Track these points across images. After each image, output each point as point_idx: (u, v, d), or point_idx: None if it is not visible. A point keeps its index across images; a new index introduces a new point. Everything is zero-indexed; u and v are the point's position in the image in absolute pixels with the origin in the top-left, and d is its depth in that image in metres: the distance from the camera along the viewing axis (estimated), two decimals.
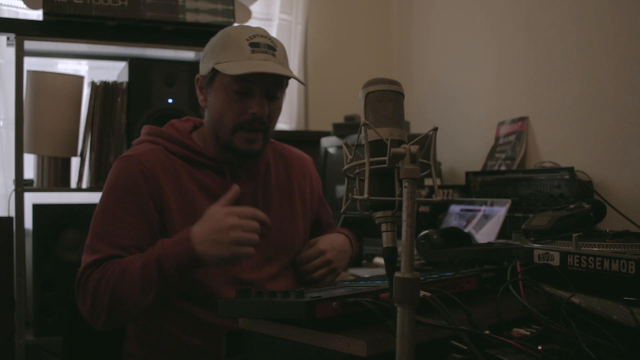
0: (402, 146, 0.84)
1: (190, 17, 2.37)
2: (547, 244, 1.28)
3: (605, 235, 1.30)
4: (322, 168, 2.72)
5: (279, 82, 1.49)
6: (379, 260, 2.38)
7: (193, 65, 2.45)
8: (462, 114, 2.83)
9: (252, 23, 2.70)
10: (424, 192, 2.42)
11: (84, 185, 2.33)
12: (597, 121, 2.10)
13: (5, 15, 2.53)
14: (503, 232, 2.04)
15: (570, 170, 1.97)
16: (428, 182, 2.44)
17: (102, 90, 2.33)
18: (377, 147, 0.88)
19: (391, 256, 0.86)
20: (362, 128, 0.89)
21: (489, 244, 1.59)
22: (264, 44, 1.46)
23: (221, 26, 2.43)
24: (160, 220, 1.45)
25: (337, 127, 2.74)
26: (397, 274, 0.80)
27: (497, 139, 2.56)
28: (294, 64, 3.15)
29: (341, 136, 2.68)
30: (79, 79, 2.38)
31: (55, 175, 2.31)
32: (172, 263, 1.33)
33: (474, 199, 2.29)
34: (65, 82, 2.33)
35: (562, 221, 1.41)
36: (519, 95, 2.49)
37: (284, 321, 1.00)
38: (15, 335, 2.20)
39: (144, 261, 1.34)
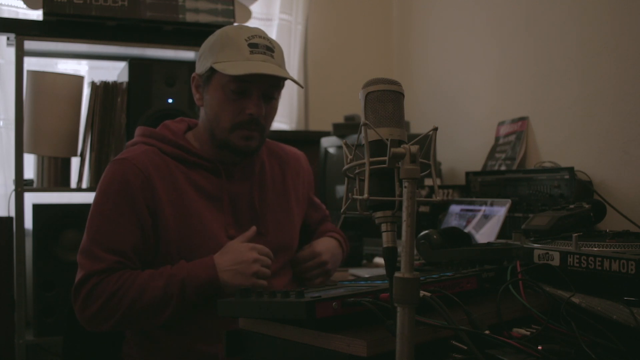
0: (402, 146, 0.84)
1: (190, 17, 2.37)
2: (547, 244, 1.28)
3: (605, 235, 1.29)
4: (322, 168, 2.72)
5: (276, 84, 1.50)
6: (379, 260, 2.38)
7: (193, 65, 2.44)
8: (462, 114, 2.83)
9: (252, 23, 2.70)
10: (424, 192, 2.42)
11: (84, 185, 2.33)
12: (597, 121, 2.10)
13: (5, 15, 2.53)
14: (503, 232, 2.04)
15: (570, 170, 1.97)
16: (428, 182, 2.44)
17: (102, 90, 2.33)
18: (377, 147, 0.88)
19: (391, 256, 0.86)
20: (362, 128, 0.89)
21: (489, 244, 1.59)
22: (262, 45, 1.46)
23: (221, 26, 2.42)
24: (153, 224, 1.45)
25: (337, 127, 2.74)
26: (397, 274, 0.80)
27: (497, 139, 2.56)
28: (294, 64, 3.15)
29: (341, 136, 2.68)
30: (79, 79, 2.38)
31: (55, 175, 2.31)
32: (195, 287, 1.38)
33: (474, 199, 2.29)
34: (65, 82, 2.33)
35: (562, 221, 1.40)
36: (519, 95, 2.49)
37: (284, 321, 1.00)
38: (15, 335, 2.20)
39: (166, 281, 1.37)
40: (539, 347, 0.92)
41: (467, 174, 2.43)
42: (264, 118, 1.50)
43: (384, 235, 0.87)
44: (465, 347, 0.90)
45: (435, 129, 0.90)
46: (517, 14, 2.50)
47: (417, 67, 3.21)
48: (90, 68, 2.78)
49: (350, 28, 3.36)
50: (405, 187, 0.82)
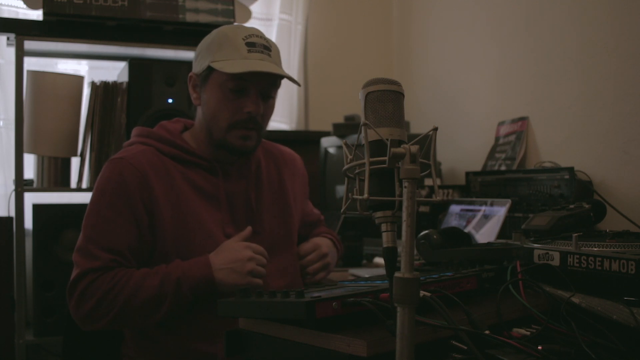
0: (402, 146, 0.84)
1: (190, 17, 2.37)
2: (547, 244, 1.28)
3: (605, 235, 1.29)
4: (322, 168, 2.72)
5: (274, 82, 1.51)
6: (379, 260, 2.38)
7: (192, 66, 2.45)
8: (462, 114, 2.83)
9: (252, 23, 2.70)
10: (424, 192, 2.42)
11: (84, 185, 2.33)
12: (597, 121, 2.10)
13: (5, 15, 2.53)
14: (503, 232, 2.04)
15: (570, 170, 1.97)
16: (428, 182, 2.44)
17: (102, 90, 2.33)
18: (377, 147, 0.88)
19: (391, 256, 0.86)
20: (362, 128, 0.89)
21: (489, 244, 1.59)
22: (259, 44, 1.47)
23: (221, 26, 2.44)
24: (150, 223, 1.45)
25: (337, 127, 2.74)
26: (397, 274, 0.80)
27: (497, 139, 2.56)
28: (294, 64, 3.15)
29: (341, 136, 2.68)
30: (79, 79, 2.38)
31: (55, 175, 2.31)
32: (190, 285, 1.38)
33: (474, 199, 2.29)
34: (65, 82, 2.33)
35: (562, 221, 1.40)
36: (519, 95, 2.49)
37: (284, 321, 1.00)
38: (15, 335, 2.20)
39: (161, 279, 1.37)
40: (539, 347, 0.92)
41: (467, 174, 2.43)
42: (261, 117, 1.51)
43: (384, 235, 0.87)
44: (465, 347, 0.90)
45: (435, 129, 0.90)
46: (517, 14, 2.50)
47: (417, 67, 3.21)
48: (90, 68, 2.77)
49: (350, 28, 3.36)
50: (405, 187, 0.82)
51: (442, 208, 2.38)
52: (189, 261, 1.42)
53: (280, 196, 1.65)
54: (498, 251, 1.36)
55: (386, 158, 0.85)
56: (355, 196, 0.92)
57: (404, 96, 0.94)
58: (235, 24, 1.69)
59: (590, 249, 1.18)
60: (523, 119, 2.42)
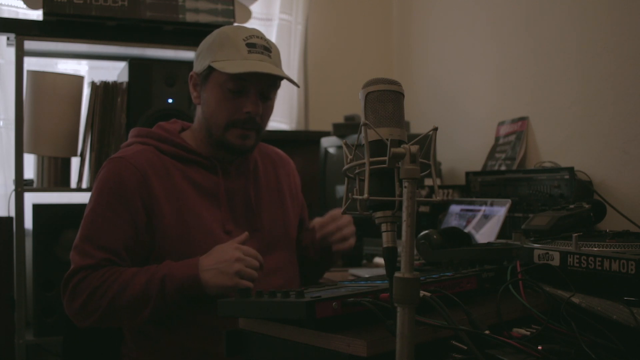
0: (402, 146, 0.84)
1: (190, 17, 2.37)
2: (547, 244, 1.28)
3: (605, 235, 1.29)
4: (322, 168, 2.72)
5: (273, 83, 1.52)
6: (379, 260, 2.38)
7: (193, 66, 2.45)
8: (462, 114, 2.83)
9: (252, 23, 2.70)
10: (424, 192, 2.42)
11: (84, 185, 2.33)
12: (597, 121, 2.10)
13: (5, 15, 2.52)
14: (503, 232, 2.04)
15: (570, 170, 1.97)
16: (428, 182, 2.44)
17: (102, 90, 2.33)
18: (377, 147, 0.88)
19: (391, 256, 0.86)
20: (362, 128, 0.89)
21: (489, 244, 1.59)
22: (260, 45, 1.48)
23: (221, 26, 2.43)
24: (148, 223, 1.45)
25: (337, 127, 2.74)
26: (397, 274, 0.80)
27: (497, 139, 2.56)
28: (294, 64, 3.15)
29: (341, 136, 2.68)
30: (79, 79, 2.38)
31: (55, 175, 2.31)
32: (175, 285, 1.37)
33: (474, 199, 2.29)
34: (65, 82, 2.33)
35: (562, 221, 1.40)
36: (519, 95, 2.49)
37: (284, 321, 1.00)
38: (15, 335, 2.20)
39: (148, 278, 1.38)
40: (539, 347, 0.92)
41: (467, 174, 2.43)
42: (260, 117, 1.52)
43: (384, 235, 0.87)
44: (465, 347, 0.90)
45: (435, 129, 0.90)
46: (517, 14, 2.50)
47: (417, 67, 3.21)
48: (90, 68, 2.77)
49: (350, 28, 3.36)
50: (405, 187, 0.82)
51: (442, 208, 2.38)
52: (179, 262, 1.42)
53: (277, 195, 1.67)
54: (498, 251, 1.36)
55: (386, 158, 0.85)
56: (355, 196, 0.92)
57: (404, 96, 0.94)
58: (236, 24, 1.70)
59: (590, 249, 1.18)
60: (523, 119, 2.42)
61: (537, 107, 2.38)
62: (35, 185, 2.31)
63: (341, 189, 2.67)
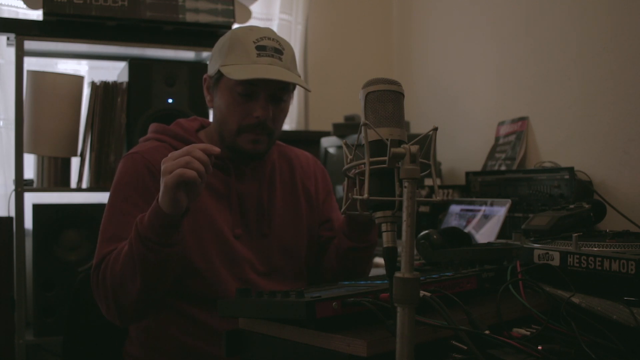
0: (402, 146, 0.84)
1: (190, 17, 2.37)
2: (547, 244, 1.28)
3: (605, 235, 1.30)
4: None
5: (284, 86, 1.49)
6: (379, 260, 2.38)
7: (193, 65, 2.45)
8: (462, 114, 2.83)
9: (252, 23, 2.69)
10: (424, 192, 2.42)
11: (84, 185, 2.33)
12: (597, 121, 2.10)
13: (5, 15, 2.52)
14: (503, 232, 2.04)
15: (570, 170, 1.97)
16: (428, 182, 2.44)
17: (102, 90, 2.33)
18: (377, 147, 0.88)
19: (391, 256, 0.86)
20: (362, 128, 0.89)
21: (489, 244, 1.59)
22: (270, 47, 1.45)
23: (221, 26, 2.44)
24: None
25: (337, 127, 2.74)
26: (397, 274, 0.80)
27: (497, 139, 2.56)
28: None
29: (341, 136, 2.68)
30: (79, 79, 2.38)
31: (55, 175, 2.31)
32: (145, 224, 1.28)
33: (474, 199, 2.29)
34: (65, 82, 2.33)
35: (562, 221, 1.41)
36: (519, 95, 2.49)
37: (284, 321, 1.00)
38: (15, 335, 2.20)
39: (129, 237, 1.32)
40: (539, 347, 0.92)
41: (467, 174, 2.43)
42: (271, 121, 1.48)
43: (384, 235, 0.87)
44: (465, 347, 0.90)
45: (435, 129, 0.90)
46: (517, 14, 2.50)
47: (417, 67, 3.21)
48: (90, 68, 2.77)
49: (350, 28, 3.36)
50: (405, 187, 0.82)
51: (442, 208, 2.38)
52: None
53: (291, 199, 1.63)
54: (498, 251, 1.36)
55: (386, 158, 0.85)
56: (355, 196, 0.92)
57: (404, 96, 0.94)
58: (250, 24, 1.67)
59: (590, 249, 1.18)
60: (523, 119, 2.42)
61: (537, 107, 2.38)
62: (35, 185, 2.31)
63: (341, 189, 2.67)
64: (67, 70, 2.72)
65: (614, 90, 2.04)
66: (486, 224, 2.11)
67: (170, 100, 2.38)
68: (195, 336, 1.46)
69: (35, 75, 2.30)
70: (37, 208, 2.25)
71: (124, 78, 2.40)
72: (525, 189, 2.13)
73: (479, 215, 2.17)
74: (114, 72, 2.66)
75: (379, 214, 0.88)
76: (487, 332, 0.94)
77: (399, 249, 0.82)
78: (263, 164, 1.59)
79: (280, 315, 0.99)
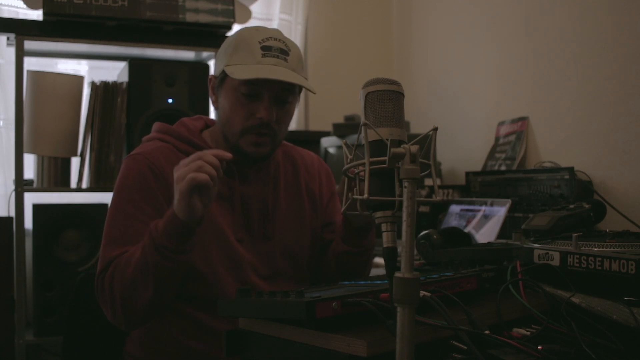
0: (402, 146, 0.84)
1: (190, 17, 2.37)
2: (547, 244, 1.28)
3: (605, 235, 1.30)
4: None
5: (289, 88, 1.47)
6: (379, 260, 2.38)
7: (193, 65, 2.45)
8: (462, 114, 2.83)
9: (252, 23, 2.70)
10: (424, 192, 2.42)
11: (84, 185, 2.33)
12: (597, 121, 2.10)
13: (5, 15, 2.53)
14: (503, 232, 2.04)
15: (570, 170, 1.97)
16: (428, 182, 2.44)
17: (102, 90, 2.33)
18: (377, 147, 0.88)
19: (391, 256, 0.86)
20: (362, 128, 0.89)
21: (489, 244, 1.59)
22: (276, 48, 1.44)
23: (221, 26, 2.44)
24: None
25: (337, 127, 2.74)
26: (397, 274, 0.80)
27: (497, 139, 2.56)
28: None
29: (341, 136, 2.68)
30: (79, 79, 2.38)
31: (55, 175, 2.31)
32: (160, 231, 1.29)
33: (474, 199, 2.29)
34: (65, 82, 2.33)
35: (562, 221, 1.41)
36: (519, 95, 2.49)
37: (284, 321, 1.00)
38: (15, 335, 2.20)
39: (143, 243, 1.32)
40: (539, 347, 0.92)
41: (467, 174, 2.43)
42: (275, 122, 1.47)
43: (384, 235, 0.87)
44: (465, 347, 0.90)
45: (435, 129, 0.90)
46: (517, 14, 2.50)
47: (417, 67, 3.21)
48: (90, 68, 2.77)
49: (350, 28, 3.36)
50: (405, 187, 0.82)
51: (442, 208, 2.38)
52: None
53: (296, 202, 1.61)
54: (498, 251, 1.36)
55: (386, 158, 0.85)
56: (355, 196, 0.92)
57: (404, 96, 0.94)
58: (257, 25, 1.65)
59: (590, 249, 1.18)
60: (523, 119, 2.42)
61: (537, 107, 2.38)
62: (35, 185, 2.31)
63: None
64: (67, 70, 2.72)
65: (614, 90, 2.04)
66: (486, 224, 2.12)
67: (170, 100, 2.38)
68: (196, 337, 1.45)
69: (35, 75, 2.30)
70: (37, 208, 2.25)
71: (124, 78, 2.40)
72: (525, 189, 2.13)
73: (479, 215, 2.17)
74: (114, 72, 2.66)
75: (379, 214, 0.88)
76: (487, 332, 0.94)
77: (399, 249, 0.82)
78: (267, 166, 1.58)
79: (280, 315, 0.99)
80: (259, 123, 1.45)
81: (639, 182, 1.95)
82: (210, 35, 2.43)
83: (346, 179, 1.01)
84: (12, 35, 2.23)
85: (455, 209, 2.32)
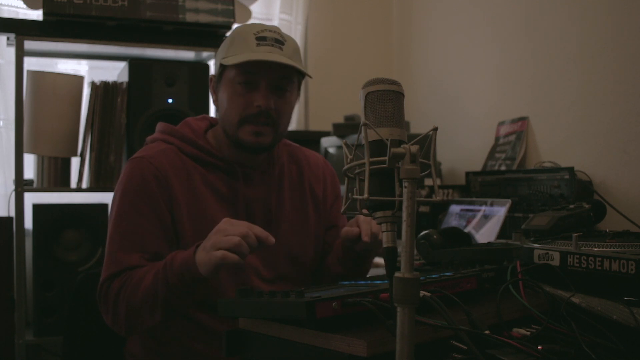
0: (402, 146, 0.84)
1: (190, 17, 2.37)
2: (547, 244, 1.28)
3: (605, 235, 1.29)
4: None
5: (287, 75, 1.45)
6: (379, 260, 2.38)
7: (193, 65, 2.45)
8: (462, 114, 2.83)
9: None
10: (424, 192, 2.42)
11: (84, 185, 2.33)
12: (597, 121, 2.10)
13: (5, 15, 2.53)
14: (503, 232, 2.04)
15: (570, 170, 1.97)
16: (428, 182, 2.44)
17: (102, 90, 2.33)
18: (377, 147, 0.88)
19: (391, 256, 0.86)
20: (362, 128, 0.89)
21: (489, 244, 1.59)
22: (271, 38, 1.43)
23: (221, 26, 2.44)
24: (172, 222, 1.44)
25: (337, 127, 2.74)
26: (397, 274, 0.80)
27: (497, 139, 2.56)
28: None
29: (341, 136, 2.68)
30: (79, 79, 2.38)
31: (55, 175, 2.31)
32: (175, 270, 1.30)
33: (474, 199, 2.29)
34: (65, 82, 2.33)
35: (562, 221, 1.40)
36: (519, 95, 2.49)
37: (284, 321, 1.00)
38: (15, 335, 2.20)
39: (155, 270, 1.33)
40: (539, 347, 0.92)
41: (467, 174, 2.43)
42: (275, 111, 1.45)
43: (384, 235, 0.87)
44: (465, 347, 0.90)
45: (435, 129, 0.90)
46: (517, 14, 2.50)
47: (417, 67, 3.21)
48: (90, 68, 2.78)
49: (350, 28, 3.36)
50: (405, 187, 0.82)
51: (442, 208, 2.38)
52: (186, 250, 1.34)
53: (300, 205, 1.60)
54: (498, 251, 1.36)
55: (386, 158, 0.85)
56: (355, 196, 0.91)
57: (404, 96, 0.93)
58: (255, 22, 1.65)
59: (590, 249, 1.18)
60: (523, 119, 2.42)
61: (537, 107, 2.38)
62: (35, 185, 2.31)
63: (341, 189, 2.67)
64: (67, 70, 2.72)
65: (614, 90, 2.04)
66: (486, 224, 2.11)
67: (170, 100, 2.38)
68: (197, 339, 1.45)
69: (35, 75, 2.30)
70: (37, 208, 2.25)
71: (124, 78, 2.40)
72: (525, 189, 2.13)
73: (479, 215, 2.17)
74: (114, 72, 2.66)
75: (379, 214, 0.88)
76: (487, 332, 0.94)
77: (399, 249, 0.82)
78: (272, 167, 1.56)
79: (280, 315, 0.99)
80: (258, 112, 1.43)
81: (639, 182, 1.95)
82: (210, 35, 2.43)
83: (346, 179, 1.01)
84: (12, 35, 2.23)
85: (455, 209, 2.32)
